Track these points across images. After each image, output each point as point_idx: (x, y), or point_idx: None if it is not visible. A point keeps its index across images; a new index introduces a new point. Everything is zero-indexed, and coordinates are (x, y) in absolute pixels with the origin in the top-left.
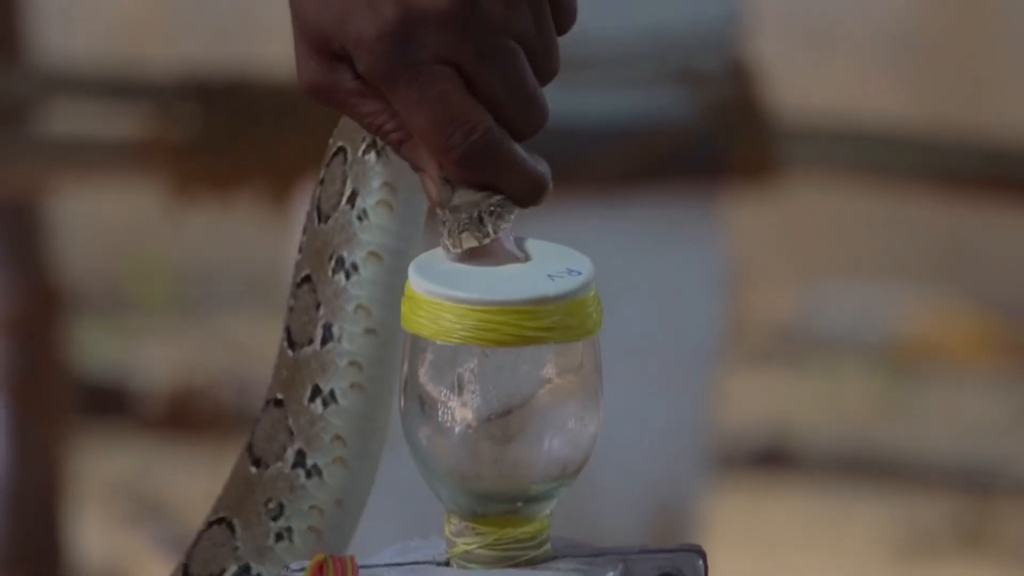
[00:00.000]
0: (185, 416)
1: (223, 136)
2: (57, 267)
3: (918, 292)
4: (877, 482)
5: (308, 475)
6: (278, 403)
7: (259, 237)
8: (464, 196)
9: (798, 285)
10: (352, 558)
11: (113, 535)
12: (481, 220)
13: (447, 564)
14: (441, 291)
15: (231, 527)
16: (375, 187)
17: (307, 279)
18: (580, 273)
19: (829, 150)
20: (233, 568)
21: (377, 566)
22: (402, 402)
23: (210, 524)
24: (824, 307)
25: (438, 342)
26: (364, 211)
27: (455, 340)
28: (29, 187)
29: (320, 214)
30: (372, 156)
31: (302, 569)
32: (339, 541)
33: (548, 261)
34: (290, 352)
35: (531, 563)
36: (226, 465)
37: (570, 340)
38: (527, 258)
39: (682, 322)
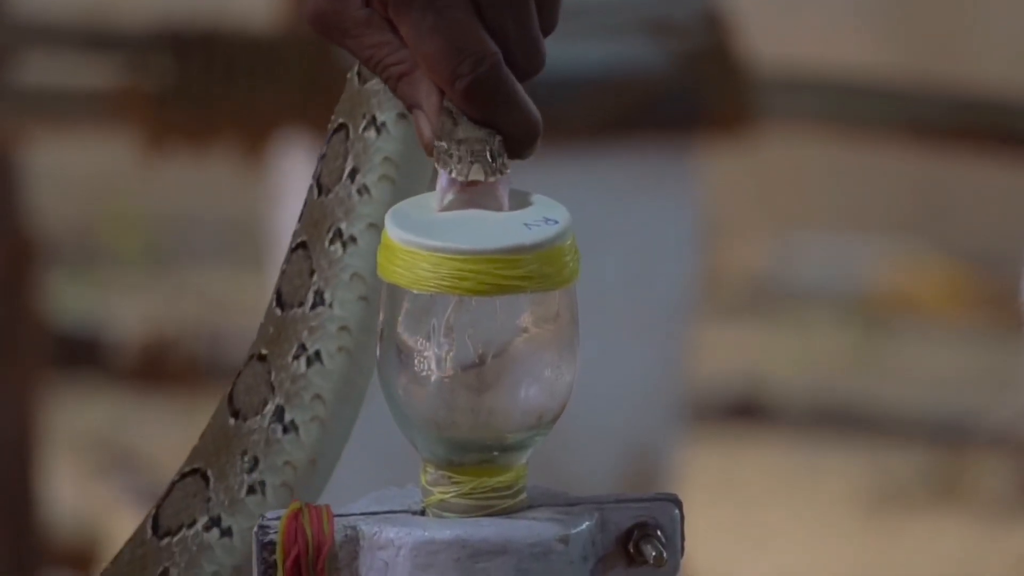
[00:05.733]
0: (158, 368)
1: (197, 87)
2: (31, 218)
3: (891, 244)
4: (849, 435)
5: (285, 431)
6: (261, 358)
7: (233, 189)
8: (469, 131)
9: (771, 237)
10: (328, 507)
11: (86, 486)
12: (492, 157)
13: (423, 513)
14: (417, 240)
15: (205, 478)
16: (376, 163)
17: (302, 245)
18: (557, 222)
19: (802, 101)
20: (203, 519)
21: (352, 515)
22: (379, 351)
23: (184, 475)
24: (797, 259)
25: (414, 291)
26: (364, 186)
27: (431, 289)
28: (3, 138)
29: (320, 187)
30: (372, 133)
31: (277, 518)
32: (309, 499)
33: (525, 209)
34: (278, 311)
35: (507, 512)
36: (198, 417)
37: (547, 289)
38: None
39: (655, 273)
